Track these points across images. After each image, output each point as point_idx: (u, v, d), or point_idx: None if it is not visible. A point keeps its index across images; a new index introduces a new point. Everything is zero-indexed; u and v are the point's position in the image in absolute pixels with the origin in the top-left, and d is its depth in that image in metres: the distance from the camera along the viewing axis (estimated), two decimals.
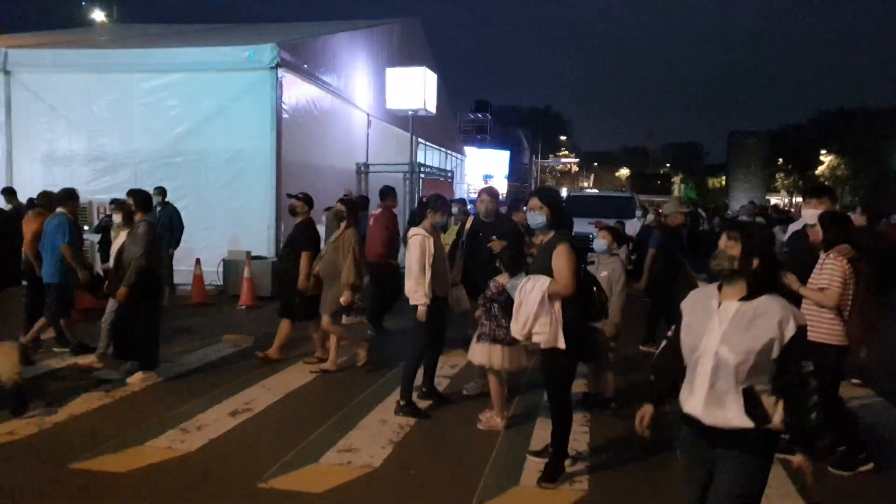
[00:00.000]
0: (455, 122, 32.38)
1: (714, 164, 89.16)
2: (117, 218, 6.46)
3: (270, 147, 10.93)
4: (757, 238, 2.56)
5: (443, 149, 24.89)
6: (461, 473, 4.29)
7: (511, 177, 41.40)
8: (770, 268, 2.54)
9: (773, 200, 52.39)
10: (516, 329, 4.15)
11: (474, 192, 24.11)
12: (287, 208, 7.34)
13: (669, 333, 2.83)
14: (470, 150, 33.21)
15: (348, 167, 14.91)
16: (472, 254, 6.20)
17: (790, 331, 2.41)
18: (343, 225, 6.45)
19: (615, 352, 5.72)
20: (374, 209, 8.72)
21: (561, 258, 4.00)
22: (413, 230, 5.42)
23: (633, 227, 12.97)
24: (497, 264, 5.00)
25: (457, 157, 28.47)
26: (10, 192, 10.25)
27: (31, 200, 8.73)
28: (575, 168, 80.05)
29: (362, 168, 15.54)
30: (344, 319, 9.14)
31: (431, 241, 5.24)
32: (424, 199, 6.97)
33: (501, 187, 33.66)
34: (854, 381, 6.35)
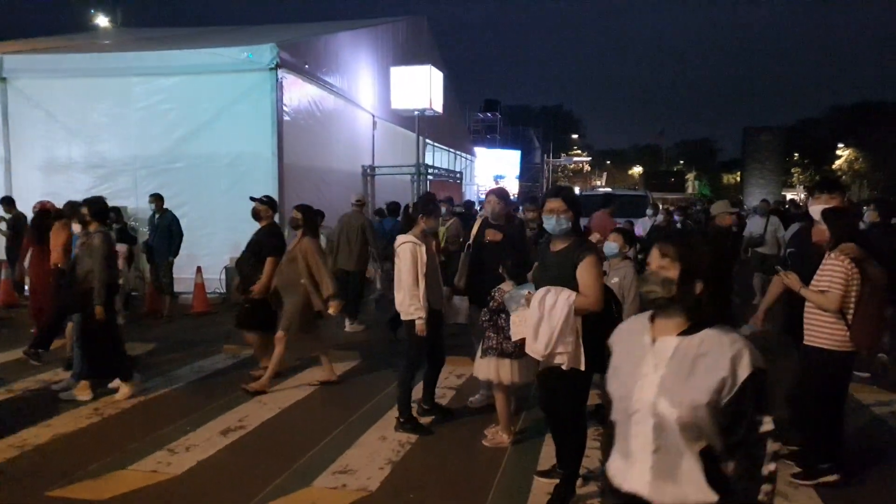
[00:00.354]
0: (464, 123, 32.15)
1: (728, 161, 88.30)
2: (76, 228, 6.21)
3: (272, 150, 10.64)
4: (698, 253, 1.92)
5: (452, 150, 24.62)
6: (464, 496, 4.01)
7: (522, 176, 41.00)
8: (718, 292, 1.92)
9: (790, 196, 51.64)
10: (537, 349, 3.68)
11: (483, 194, 23.80)
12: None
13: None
14: (480, 151, 32.95)
15: (354, 170, 14.63)
16: (478, 260, 5.65)
17: (744, 371, 1.81)
18: (299, 234, 6.03)
19: None
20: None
21: (591, 271, 3.63)
22: (402, 238, 4.97)
23: (643, 226, 12.56)
24: (500, 271, 4.61)
25: (466, 158, 28.20)
26: (9, 202, 10.09)
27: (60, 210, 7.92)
28: (587, 167, 79.52)
29: (368, 170, 15.28)
30: (347, 327, 8.90)
31: (423, 248, 4.87)
32: (409, 207, 6.52)
33: (513, 188, 33.32)
34: (862, 374, 6.15)
